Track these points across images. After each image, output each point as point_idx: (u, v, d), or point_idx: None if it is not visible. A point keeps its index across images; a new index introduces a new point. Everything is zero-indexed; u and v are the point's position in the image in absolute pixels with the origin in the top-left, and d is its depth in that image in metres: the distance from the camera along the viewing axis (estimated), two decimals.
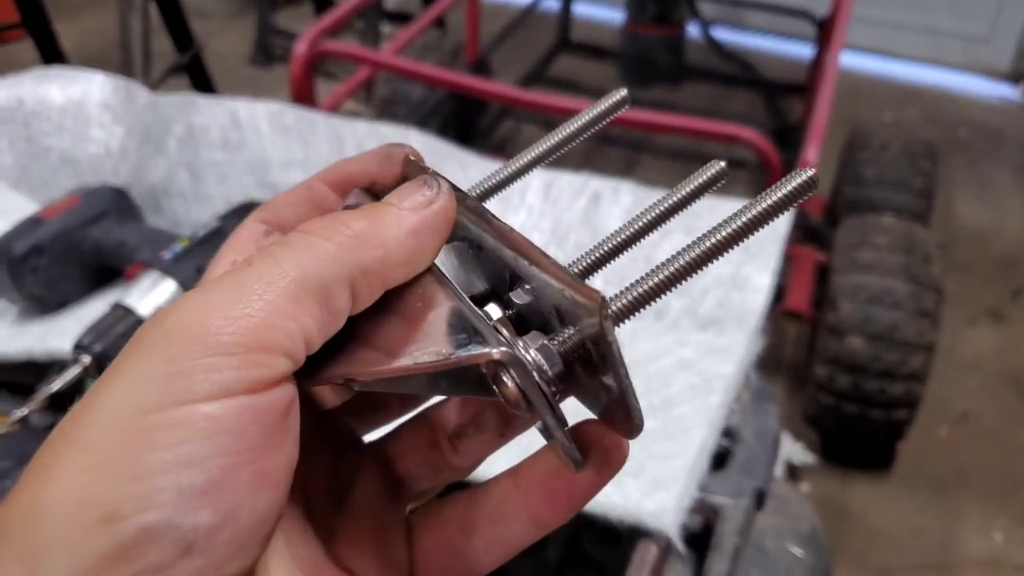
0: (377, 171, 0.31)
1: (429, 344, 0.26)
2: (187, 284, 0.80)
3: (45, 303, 0.86)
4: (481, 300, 0.29)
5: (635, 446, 0.68)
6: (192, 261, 0.81)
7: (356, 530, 0.29)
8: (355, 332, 0.27)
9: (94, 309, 0.83)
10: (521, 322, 0.29)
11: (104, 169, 0.99)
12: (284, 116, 0.96)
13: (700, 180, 0.30)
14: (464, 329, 0.26)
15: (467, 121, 2.10)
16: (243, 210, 0.88)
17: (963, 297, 1.96)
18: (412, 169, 0.31)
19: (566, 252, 0.86)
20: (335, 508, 0.29)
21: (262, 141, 0.94)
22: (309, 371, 0.26)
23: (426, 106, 1.95)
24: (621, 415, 0.26)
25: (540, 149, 0.32)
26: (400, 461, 0.31)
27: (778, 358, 1.80)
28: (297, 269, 0.24)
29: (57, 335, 0.81)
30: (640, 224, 0.30)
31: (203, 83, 2.17)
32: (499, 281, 0.29)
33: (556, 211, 0.88)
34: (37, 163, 0.99)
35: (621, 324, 0.27)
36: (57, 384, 0.74)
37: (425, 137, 0.97)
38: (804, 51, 2.35)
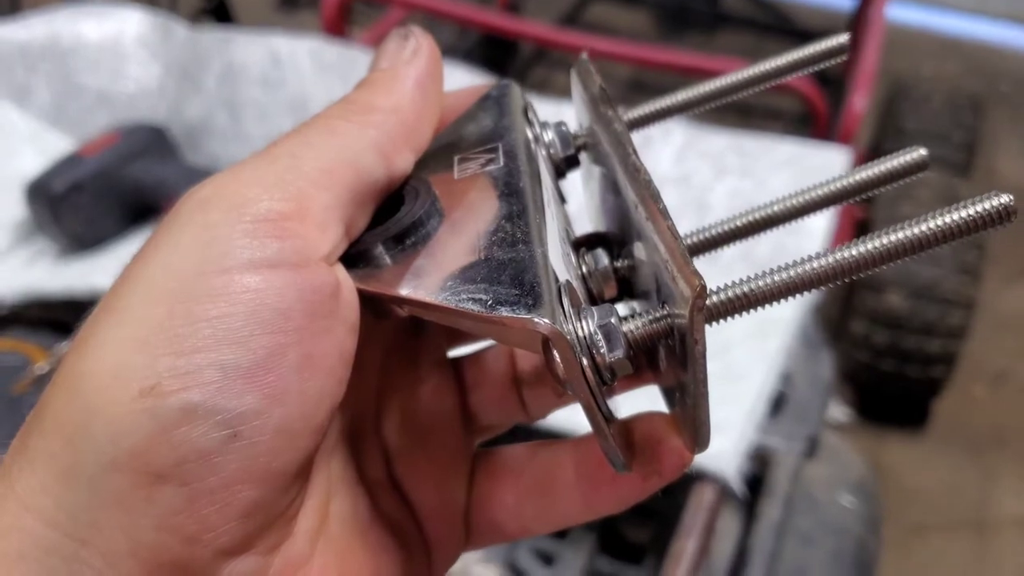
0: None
1: (476, 286, 0.23)
2: None
3: (84, 241, 0.85)
4: (596, 242, 0.27)
5: None
6: None
7: (422, 455, 0.28)
8: (417, 249, 0.25)
9: (133, 246, 0.82)
10: (628, 281, 0.26)
11: (141, 107, 0.98)
12: (325, 53, 0.94)
13: (895, 163, 0.25)
14: (520, 282, 0.23)
15: (499, 68, 2.06)
16: None
17: (1002, 255, 1.93)
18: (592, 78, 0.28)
19: None
20: (406, 427, 0.28)
21: (302, 79, 0.92)
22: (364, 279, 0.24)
23: (456, 52, 1.91)
24: (689, 423, 0.23)
25: (726, 82, 0.28)
26: (476, 390, 0.30)
27: (815, 318, 1.78)
28: (325, 143, 0.24)
29: (98, 272, 0.80)
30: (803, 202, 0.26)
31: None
32: (628, 224, 0.26)
33: None
34: (73, 101, 0.98)
35: (716, 323, 0.23)
36: None
37: (470, 74, 0.95)
38: (842, 1, 2.29)
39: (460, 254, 0.24)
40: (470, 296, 0.23)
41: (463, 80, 0.94)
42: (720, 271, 0.78)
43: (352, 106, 0.26)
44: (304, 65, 0.93)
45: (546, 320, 0.22)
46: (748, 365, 0.67)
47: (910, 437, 1.61)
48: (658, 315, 0.23)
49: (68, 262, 0.84)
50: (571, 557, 0.67)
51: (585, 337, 0.23)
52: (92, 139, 0.87)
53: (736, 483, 0.62)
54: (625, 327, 0.23)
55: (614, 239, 0.26)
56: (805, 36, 2.50)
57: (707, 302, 0.22)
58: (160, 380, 0.20)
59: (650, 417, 0.26)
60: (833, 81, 2.17)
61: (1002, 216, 0.22)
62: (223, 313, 0.20)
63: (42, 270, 0.84)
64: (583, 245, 0.28)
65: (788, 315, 0.71)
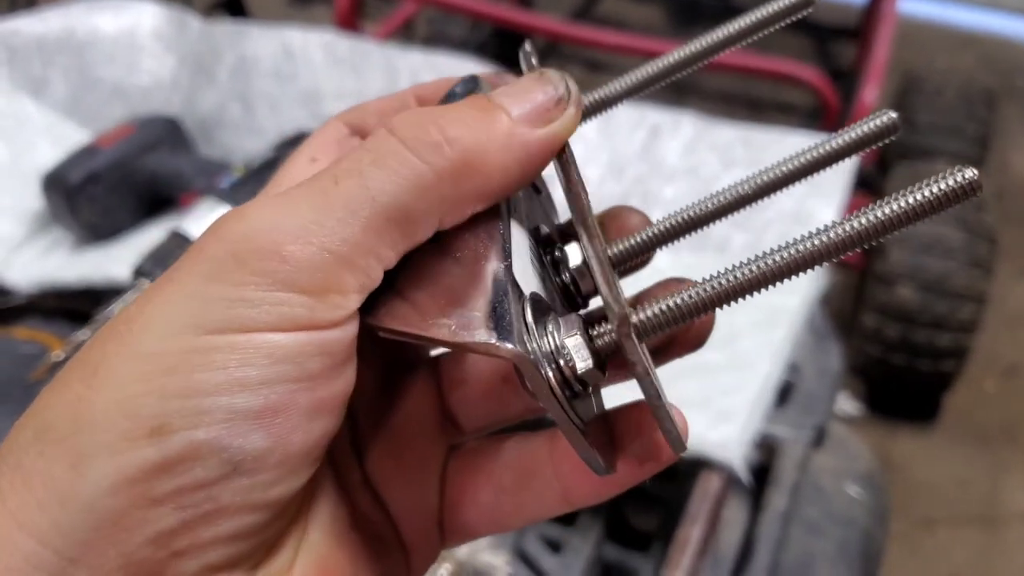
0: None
1: (442, 309, 0.23)
2: None
3: (100, 231, 0.86)
4: (548, 241, 0.26)
5: (699, 379, 0.67)
6: (249, 189, 0.81)
7: (394, 455, 0.28)
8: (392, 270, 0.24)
9: (149, 237, 0.83)
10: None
11: (156, 99, 0.99)
12: (337, 46, 0.94)
13: (866, 128, 0.25)
14: (483, 303, 0.23)
15: (510, 61, 2.06)
16: (297, 141, 0.87)
17: (1014, 249, 1.92)
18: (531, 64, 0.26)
19: (623, 186, 0.84)
20: (379, 430, 0.28)
21: (314, 72, 0.93)
22: None
23: (468, 46, 1.92)
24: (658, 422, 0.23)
25: (688, 51, 0.27)
26: (455, 391, 0.29)
27: (824, 309, 1.78)
28: (386, 196, 0.22)
29: (114, 262, 0.81)
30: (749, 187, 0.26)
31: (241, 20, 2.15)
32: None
33: (613, 143, 0.86)
34: (89, 93, 0.99)
35: (649, 336, 0.23)
36: (116, 309, 0.74)
37: (482, 67, 0.95)
38: None
39: (427, 274, 0.24)
40: (435, 322, 0.23)
41: (475, 72, 0.94)
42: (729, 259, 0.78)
43: (439, 141, 0.22)
44: (316, 58, 0.94)
45: (508, 344, 0.22)
46: (755, 354, 0.68)
47: (920, 431, 1.61)
48: (608, 330, 0.23)
49: (84, 252, 0.85)
50: (579, 544, 0.68)
51: (552, 351, 0.23)
52: (108, 131, 0.89)
53: (742, 472, 0.62)
54: (594, 333, 0.23)
55: (564, 234, 0.27)
56: (816, 29, 2.49)
57: (635, 320, 0.22)
58: (169, 419, 0.20)
59: (633, 407, 0.26)
60: (845, 74, 2.16)
61: (967, 191, 0.22)
62: (241, 365, 0.21)
63: (58, 260, 0.85)
64: (562, 236, 0.28)
65: (795, 305, 0.71)
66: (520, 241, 0.25)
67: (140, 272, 0.75)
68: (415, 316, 0.23)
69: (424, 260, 0.24)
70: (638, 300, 0.26)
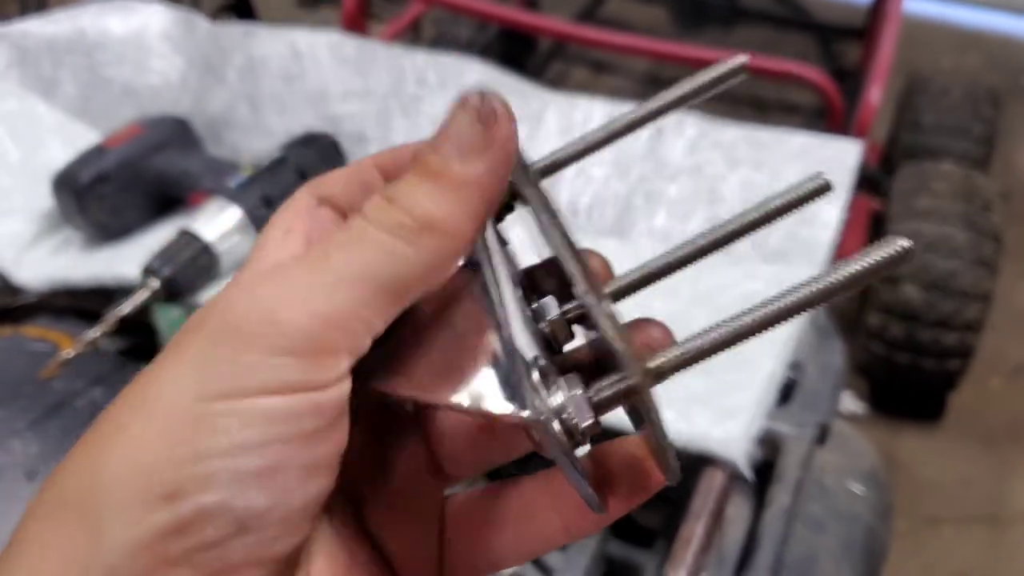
0: None
1: (453, 385, 0.25)
2: (253, 212, 0.80)
3: (110, 231, 0.87)
4: (543, 275, 0.28)
5: (703, 377, 0.67)
6: (258, 189, 0.81)
7: (390, 506, 0.29)
8: (390, 338, 0.26)
9: (158, 236, 0.84)
10: (583, 317, 0.28)
11: (165, 100, 1.00)
12: (344, 47, 0.95)
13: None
14: (494, 372, 0.25)
15: (516, 63, 2.07)
16: (306, 141, 0.88)
17: (1019, 249, 1.92)
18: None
19: (628, 185, 0.85)
20: (372, 480, 0.29)
21: (322, 72, 0.94)
22: None
23: (474, 47, 1.92)
24: (658, 461, 0.26)
25: (632, 116, 0.29)
26: (445, 440, 0.31)
27: (828, 307, 1.78)
28: (372, 268, 0.24)
29: (123, 261, 0.82)
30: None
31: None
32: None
33: (618, 143, 0.86)
34: (99, 93, 1.00)
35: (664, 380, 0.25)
36: (126, 307, 0.75)
37: (486, 68, 0.96)
38: None
39: (435, 346, 0.26)
40: (452, 391, 0.25)
41: (480, 76, 0.95)
42: (733, 261, 0.79)
43: (406, 221, 0.24)
44: (323, 59, 0.95)
45: (524, 412, 0.24)
46: (758, 351, 0.68)
47: (925, 430, 1.61)
48: (612, 382, 0.25)
49: (94, 251, 0.86)
50: (584, 542, 0.68)
51: (557, 410, 0.25)
52: (117, 131, 0.89)
53: (746, 469, 0.63)
54: (592, 391, 0.25)
55: (556, 268, 0.27)
56: (821, 30, 2.49)
57: (655, 363, 0.24)
58: (181, 485, 0.22)
59: (626, 442, 0.28)
60: (850, 74, 2.16)
61: (903, 258, 0.23)
62: (242, 428, 0.22)
63: (68, 259, 0.86)
64: (532, 287, 0.29)
65: None
66: (510, 300, 0.27)
67: (149, 270, 0.76)
68: (425, 385, 0.25)
69: (425, 330, 0.26)
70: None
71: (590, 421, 0.25)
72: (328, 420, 0.23)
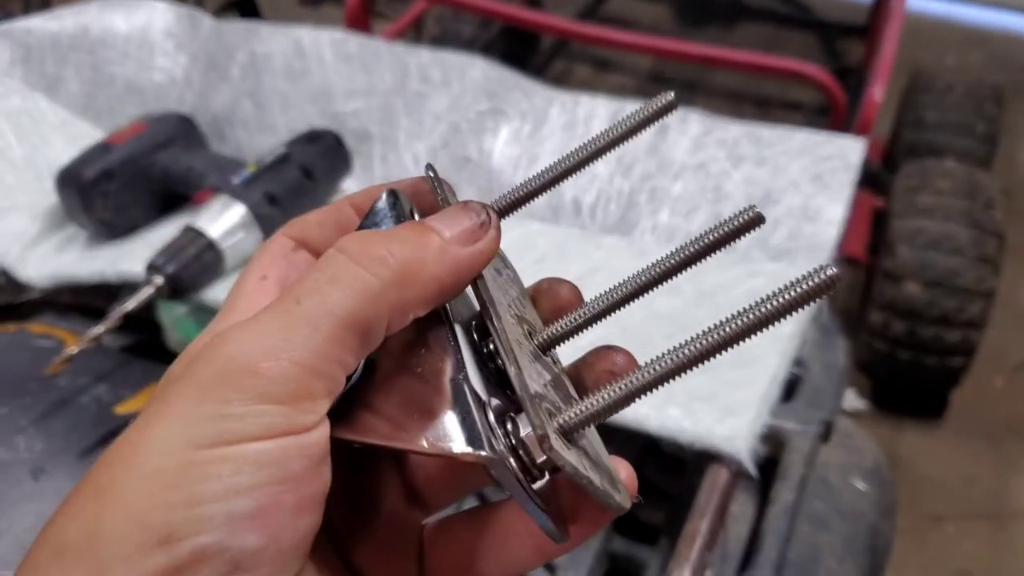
0: (410, 196, 0.31)
1: (414, 429, 0.27)
2: (256, 208, 0.80)
3: (114, 228, 0.87)
4: (482, 331, 0.29)
5: (707, 374, 0.67)
6: (261, 186, 0.81)
7: (370, 539, 0.31)
8: (354, 383, 0.28)
9: (163, 233, 0.84)
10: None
11: (169, 97, 1.00)
12: (347, 44, 0.95)
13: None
14: (464, 421, 0.27)
15: (518, 61, 2.07)
16: (309, 138, 0.88)
17: (1021, 246, 1.91)
18: (439, 187, 0.30)
19: (632, 182, 0.85)
20: (351, 515, 0.31)
21: (325, 70, 0.94)
22: None
23: (477, 45, 1.92)
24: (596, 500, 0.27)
25: (580, 155, 0.31)
26: (420, 471, 0.32)
27: (831, 304, 1.78)
28: (342, 309, 0.25)
29: (128, 258, 0.82)
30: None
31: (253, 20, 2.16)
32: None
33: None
34: (103, 91, 1.00)
35: (578, 433, 0.27)
36: (131, 304, 0.75)
37: (490, 65, 0.96)
38: None
39: (394, 390, 0.28)
40: (411, 435, 0.27)
41: (481, 73, 0.95)
42: (737, 259, 0.79)
43: (384, 256, 0.26)
44: (327, 56, 0.95)
45: (482, 452, 0.26)
46: (762, 349, 0.68)
47: (927, 427, 1.61)
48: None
49: (98, 248, 0.86)
50: (588, 539, 0.68)
51: (514, 446, 0.26)
52: (121, 128, 0.89)
53: (750, 465, 0.63)
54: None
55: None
56: (824, 28, 2.49)
57: (553, 432, 0.26)
58: (176, 528, 0.23)
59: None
60: (853, 72, 2.16)
61: (830, 286, 0.25)
62: (233, 473, 0.23)
63: (72, 256, 0.86)
64: (485, 329, 0.30)
65: None
66: (464, 344, 0.28)
67: (153, 267, 0.76)
68: (391, 431, 0.27)
69: (389, 378, 0.28)
70: (576, 368, 0.31)
71: (545, 457, 0.26)
72: (314, 461, 0.25)
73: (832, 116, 1.27)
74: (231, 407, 0.24)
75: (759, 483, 0.70)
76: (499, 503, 0.30)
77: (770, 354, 0.68)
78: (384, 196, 0.30)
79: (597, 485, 0.26)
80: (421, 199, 0.31)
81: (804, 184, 0.79)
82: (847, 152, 0.82)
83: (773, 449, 0.72)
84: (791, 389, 0.74)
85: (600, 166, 0.85)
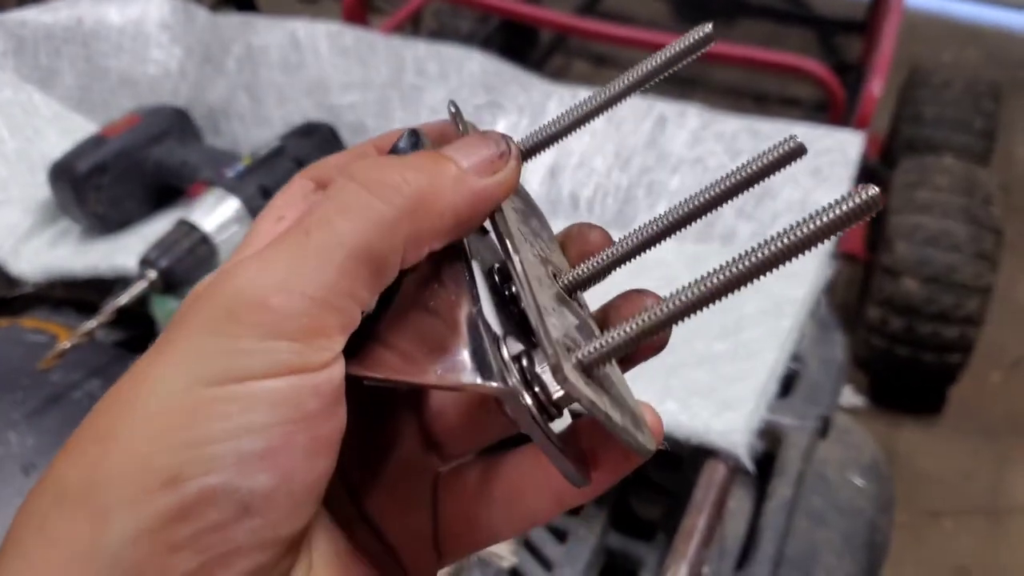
0: (436, 140, 0.29)
1: (426, 363, 0.25)
2: (250, 202, 0.80)
3: (108, 221, 0.86)
4: (506, 276, 0.28)
5: (705, 368, 0.67)
6: (255, 179, 0.81)
7: (385, 486, 0.29)
8: (368, 320, 0.26)
9: (156, 227, 0.83)
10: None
11: (163, 90, 0.99)
12: (343, 37, 0.94)
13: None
14: (464, 346, 0.25)
15: (517, 56, 2.07)
16: (305, 131, 0.88)
17: (1020, 242, 1.91)
18: (462, 123, 0.29)
19: (630, 176, 0.84)
20: (365, 461, 0.29)
21: (321, 62, 0.93)
22: None
23: (475, 40, 1.92)
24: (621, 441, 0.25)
25: (614, 89, 0.29)
26: (440, 418, 0.31)
27: (829, 299, 1.78)
28: (354, 240, 0.24)
29: (121, 252, 0.81)
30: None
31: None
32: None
33: (620, 134, 0.86)
34: (97, 84, 0.99)
35: (597, 369, 0.25)
36: (124, 298, 0.74)
37: (487, 58, 0.95)
38: None
39: (407, 325, 0.26)
40: (422, 368, 0.25)
41: (479, 66, 0.95)
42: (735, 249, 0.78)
43: (398, 183, 0.24)
44: (323, 49, 0.94)
45: (493, 383, 0.24)
46: (761, 343, 0.68)
47: (925, 423, 1.61)
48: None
49: (91, 243, 0.86)
50: (584, 533, 0.68)
51: (529, 381, 0.25)
52: (114, 121, 0.89)
53: (747, 461, 0.62)
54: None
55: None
56: (823, 24, 2.49)
57: (573, 362, 0.24)
58: (181, 469, 0.22)
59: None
60: (851, 68, 2.16)
61: (872, 206, 0.23)
62: (243, 411, 0.22)
63: (66, 250, 0.85)
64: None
65: (802, 295, 0.71)
66: (482, 283, 0.27)
67: (146, 261, 0.75)
68: (403, 365, 0.26)
69: (403, 314, 0.26)
70: (603, 312, 0.29)
71: (561, 392, 0.24)
72: (328, 400, 0.23)
73: (831, 111, 1.27)
74: (240, 343, 0.22)
75: (756, 479, 0.70)
76: (516, 449, 0.29)
77: (768, 349, 0.67)
78: (406, 134, 0.29)
79: (617, 422, 0.24)
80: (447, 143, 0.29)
81: (803, 178, 0.79)
82: (846, 146, 0.82)
83: (770, 444, 0.71)
84: (789, 384, 0.73)
85: (598, 160, 0.84)
